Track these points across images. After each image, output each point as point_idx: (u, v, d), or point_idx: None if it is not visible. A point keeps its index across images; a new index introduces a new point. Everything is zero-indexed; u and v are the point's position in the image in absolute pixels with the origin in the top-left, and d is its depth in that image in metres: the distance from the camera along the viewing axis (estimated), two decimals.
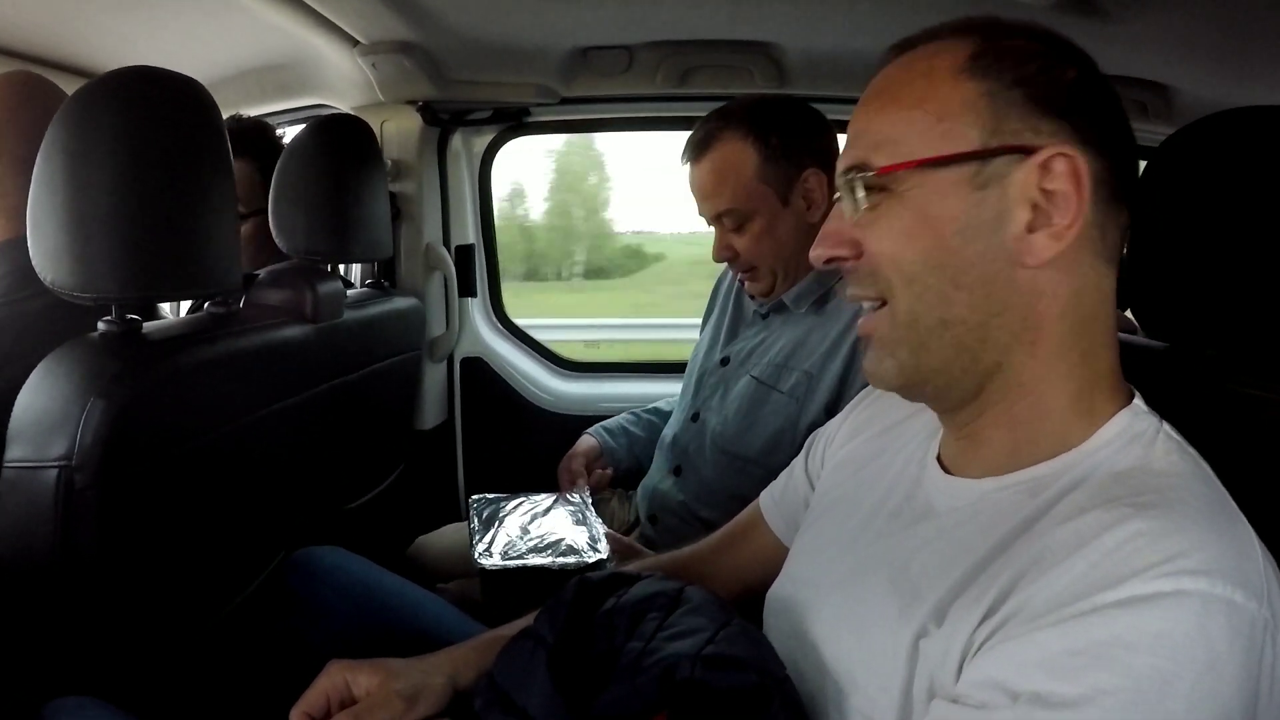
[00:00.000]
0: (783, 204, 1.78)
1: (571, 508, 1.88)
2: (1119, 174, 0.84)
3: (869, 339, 0.92)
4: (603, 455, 2.14)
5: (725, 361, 1.96)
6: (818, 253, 0.93)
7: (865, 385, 1.66)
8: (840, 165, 0.91)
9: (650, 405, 2.30)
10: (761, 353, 1.89)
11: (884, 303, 0.89)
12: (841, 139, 1.80)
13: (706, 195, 1.79)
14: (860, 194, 0.87)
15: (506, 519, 1.86)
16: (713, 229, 1.86)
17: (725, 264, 1.89)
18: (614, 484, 2.18)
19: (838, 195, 0.92)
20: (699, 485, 1.89)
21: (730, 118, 1.78)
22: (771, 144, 1.76)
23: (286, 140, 2.40)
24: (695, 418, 1.96)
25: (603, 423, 2.22)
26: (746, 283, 1.88)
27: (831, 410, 1.70)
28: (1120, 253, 0.87)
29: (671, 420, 2.07)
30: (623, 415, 2.26)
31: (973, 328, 0.85)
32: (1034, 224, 0.82)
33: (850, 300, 0.94)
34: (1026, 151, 0.81)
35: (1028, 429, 0.87)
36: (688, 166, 1.83)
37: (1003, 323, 0.85)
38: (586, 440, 2.16)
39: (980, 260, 0.83)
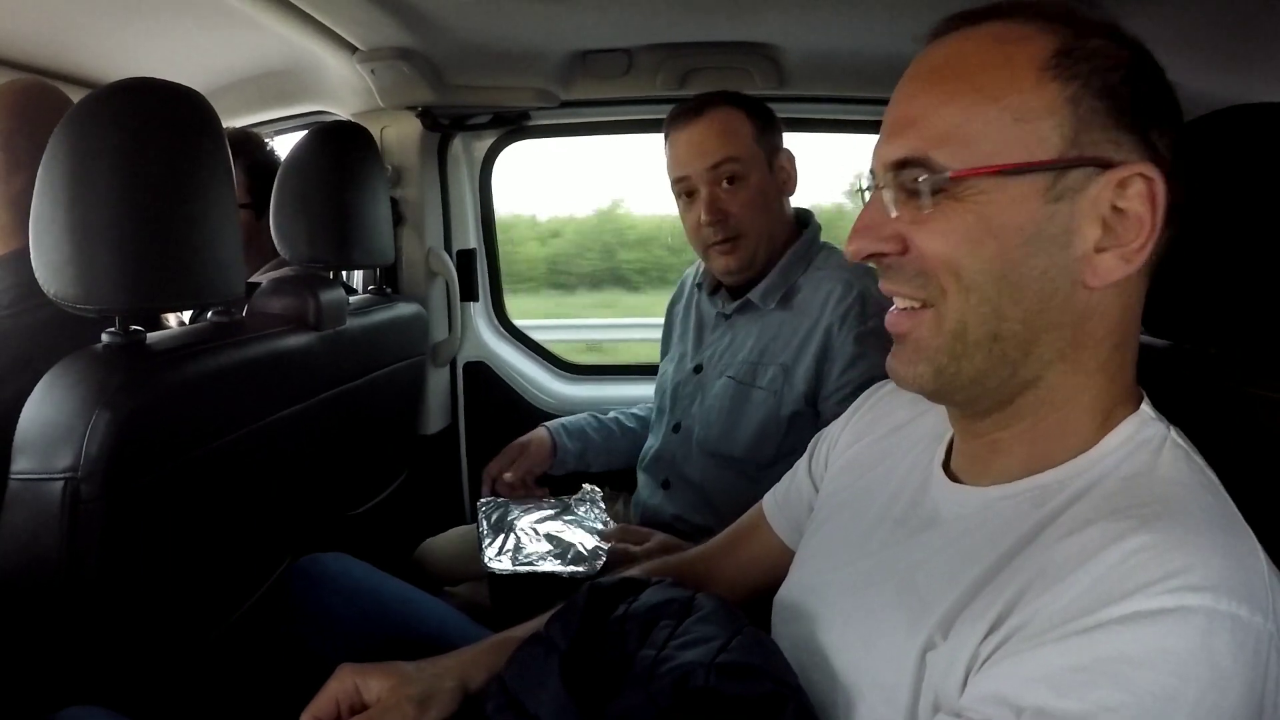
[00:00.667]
0: (769, 170, 1.84)
1: (577, 513, 1.87)
2: (1180, 192, 0.81)
3: (903, 338, 0.89)
4: (556, 453, 2.15)
5: (699, 369, 1.97)
6: (856, 247, 0.88)
7: (842, 370, 1.71)
8: (889, 153, 0.85)
9: (614, 412, 2.30)
10: (733, 353, 1.90)
11: (926, 304, 0.86)
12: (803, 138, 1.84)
13: (706, 149, 1.81)
14: (921, 192, 0.82)
15: (516, 523, 1.86)
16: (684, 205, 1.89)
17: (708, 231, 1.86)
18: (608, 485, 2.18)
19: (868, 186, 0.90)
20: (689, 494, 1.90)
21: (720, 95, 1.85)
22: (760, 118, 1.84)
23: (275, 146, 2.43)
24: (676, 428, 1.97)
25: (565, 420, 2.22)
26: (723, 257, 1.86)
27: (810, 398, 1.75)
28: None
29: (650, 439, 2.07)
30: (586, 416, 2.26)
31: (1020, 343, 0.83)
32: (1103, 243, 0.79)
33: (886, 294, 0.90)
34: (1105, 165, 0.79)
35: (1048, 441, 0.86)
36: (674, 132, 1.86)
37: (1051, 339, 0.83)
38: (540, 434, 2.15)
39: (1043, 276, 0.81)
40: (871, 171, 0.89)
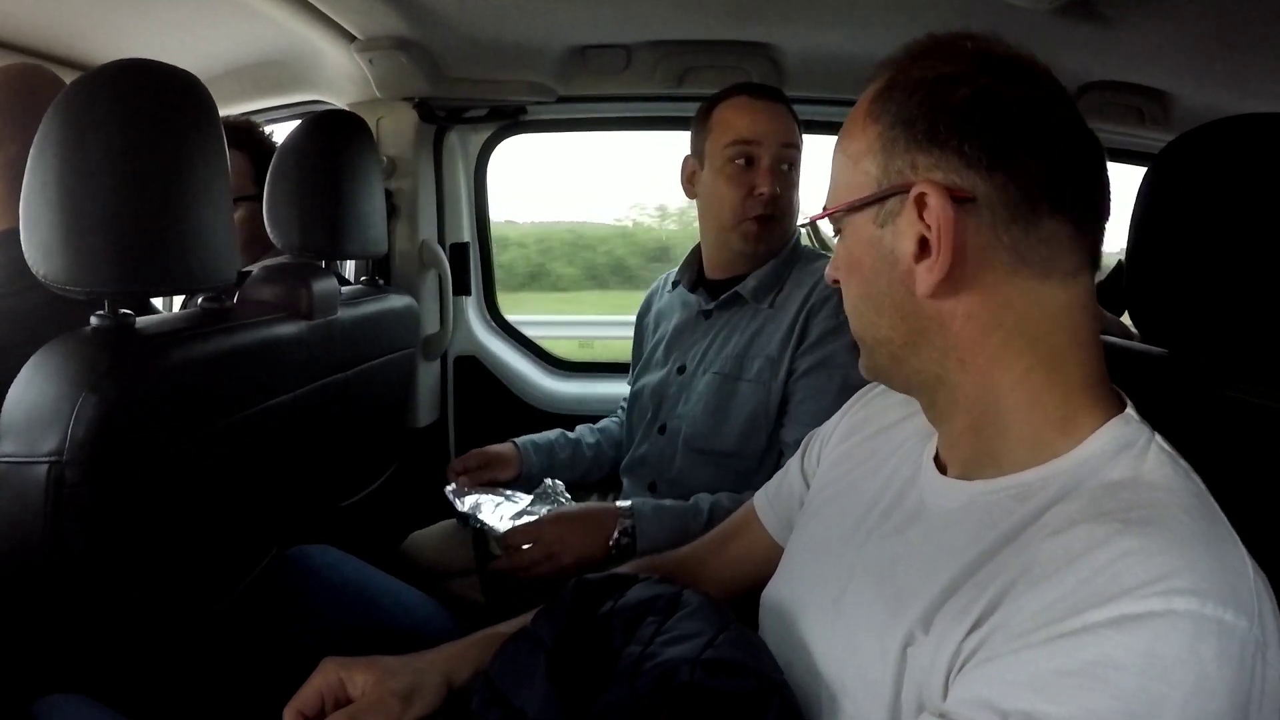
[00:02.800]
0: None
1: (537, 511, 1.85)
2: (1025, 185, 0.83)
3: None
4: (520, 464, 2.13)
5: (682, 369, 1.98)
6: (827, 276, 1.02)
7: (808, 349, 1.75)
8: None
9: (581, 428, 2.29)
10: (717, 349, 1.92)
11: None
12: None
13: (784, 128, 1.87)
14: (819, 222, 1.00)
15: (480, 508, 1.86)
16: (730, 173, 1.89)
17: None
18: (591, 489, 2.19)
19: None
20: (677, 495, 1.87)
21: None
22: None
23: (276, 136, 2.42)
24: (662, 430, 1.97)
25: (534, 436, 2.20)
26: (757, 227, 1.87)
27: (788, 380, 1.78)
28: (1074, 260, 0.85)
29: (635, 445, 2.06)
30: (556, 433, 2.24)
31: (902, 346, 0.92)
32: (919, 256, 0.85)
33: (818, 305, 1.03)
34: (906, 189, 0.86)
35: (993, 439, 0.88)
36: (751, 99, 1.88)
37: (926, 342, 0.89)
38: (507, 447, 2.15)
39: (888, 290, 0.90)
40: None
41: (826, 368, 1.72)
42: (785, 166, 1.86)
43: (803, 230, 1.81)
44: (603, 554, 1.65)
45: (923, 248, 0.84)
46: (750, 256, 1.90)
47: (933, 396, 0.93)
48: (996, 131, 0.83)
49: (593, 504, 1.81)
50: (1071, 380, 0.85)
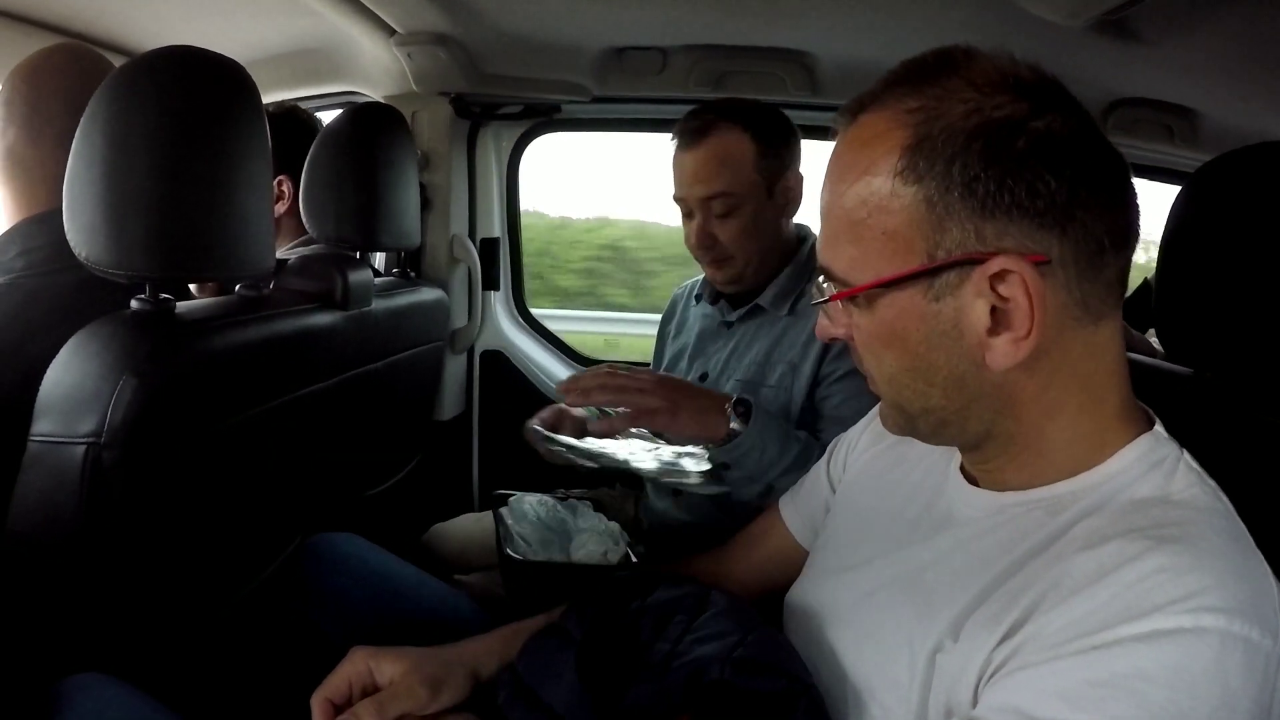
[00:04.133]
0: (769, 196, 1.82)
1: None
2: (1098, 230, 0.79)
3: None
4: None
5: (704, 377, 1.97)
6: (819, 331, 0.96)
7: (836, 355, 1.73)
8: (819, 259, 0.90)
9: None
10: (738, 357, 1.91)
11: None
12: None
13: (701, 178, 1.80)
14: (837, 300, 0.89)
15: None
16: (683, 217, 1.88)
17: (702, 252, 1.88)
18: (619, 485, 2.18)
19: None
20: (701, 500, 1.89)
21: (728, 113, 1.81)
22: (766, 139, 1.80)
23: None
24: None
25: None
26: (711, 269, 1.89)
27: (819, 385, 1.76)
28: (1118, 295, 0.84)
29: None
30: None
31: (954, 411, 0.87)
32: (994, 328, 0.80)
33: None
34: (974, 262, 0.79)
35: (1035, 466, 0.87)
36: (677, 151, 1.84)
37: (981, 406, 0.86)
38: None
39: (947, 365, 0.84)
40: None
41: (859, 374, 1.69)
42: (719, 213, 1.80)
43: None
44: (720, 438, 1.59)
45: (994, 318, 0.79)
46: (725, 285, 1.91)
47: (978, 445, 0.90)
48: (1062, 178, 0.77)
49: (707, 391, 1.74)
50: (1110, 406, 0.86)
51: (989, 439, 0.88)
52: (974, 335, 0.81)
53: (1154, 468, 0.83)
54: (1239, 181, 1.07)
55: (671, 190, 1.87)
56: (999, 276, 0.78)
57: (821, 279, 0.89)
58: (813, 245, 1.92)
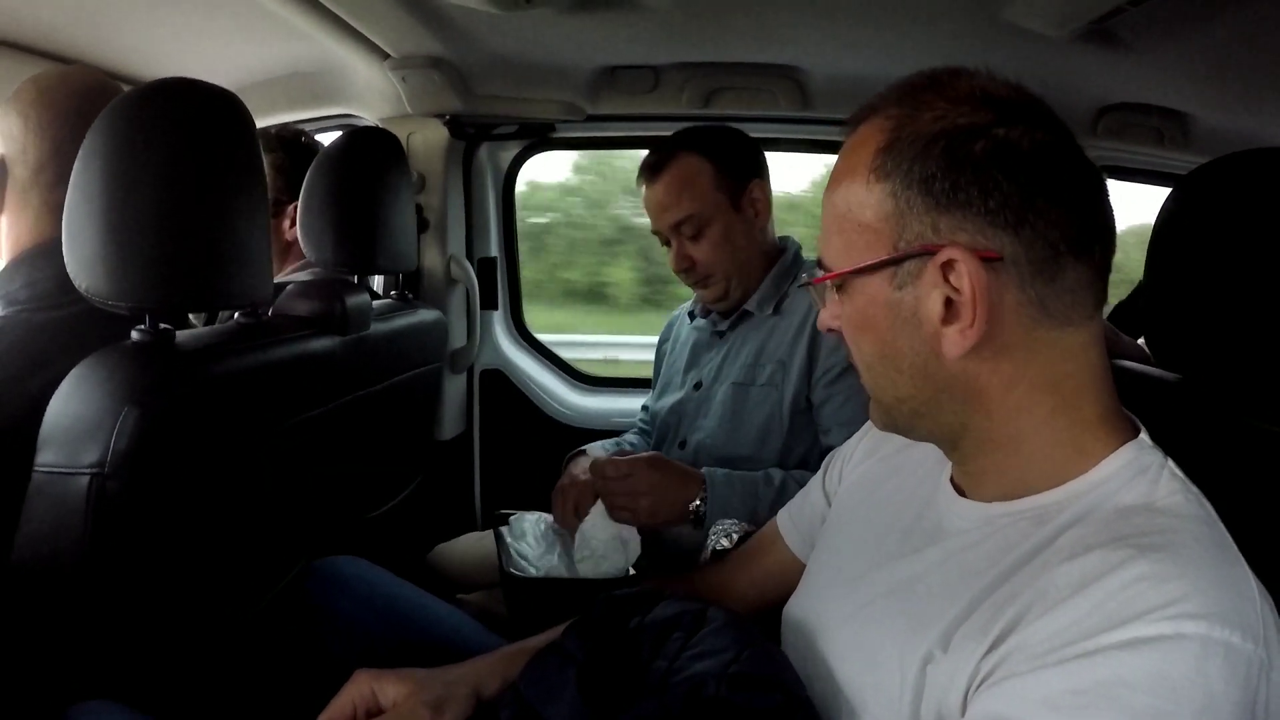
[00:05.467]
0: (735, 210, 1.91)
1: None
2: (1056, 235, 0.82)
3: None
4: None
5: (699, 385, 2.02)
6: (820, 321, 1.01)
7: (830, 352, 1.78)
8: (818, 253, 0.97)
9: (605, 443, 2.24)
10: (730, 362, 1.97)
11: None
12: (829, 160, 1.87)
13: (666, 206, 1.90)
14: (821, 284, 0.96)
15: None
16: (664, 246, 1.98)
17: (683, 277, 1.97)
18: None
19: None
20: None
21: (680, 141, 1.93)
22: (721, 158, 1.90)
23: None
24: (683, 444, 2.00)
25: (601, 443, 2.18)
26: (699, 291, 2.00)
27: (808, 391, 1.82)
28: (1093, 302, 0.86)
29: None
30: (609, 443, 2.20)
31: (924, 401, 0.91)
32: (947, 318, 0.85)
33: None
34: (929, 253, 0.84)
35: (1018, 472, 0.89)
36: (644, 189, 1.94)
37: (949, 397, 0.89)
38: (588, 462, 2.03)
39: (910, 352, 0.88)
40: None
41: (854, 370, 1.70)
42: (689, 236, 1.90)
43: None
44: (680, 520, 1.71)
45: (949, 309, 0.84)
46: (714, 304, 2.00)
47: (955, 442, 0.93)
48: (1018, 184, 0.82)
49: (684, 465, 1.81)
50: (1088, 412, 0.87)
51: (964, 434, 0.90)
52: (930, 324, 0.85)
53: (1138, 476, 0.84)
54: (1226, 187, 1.07)
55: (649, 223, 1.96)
56: (949, 266, 0.83)
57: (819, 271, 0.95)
58: (795, 252, 2.00)
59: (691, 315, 2.15)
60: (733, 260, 1.91)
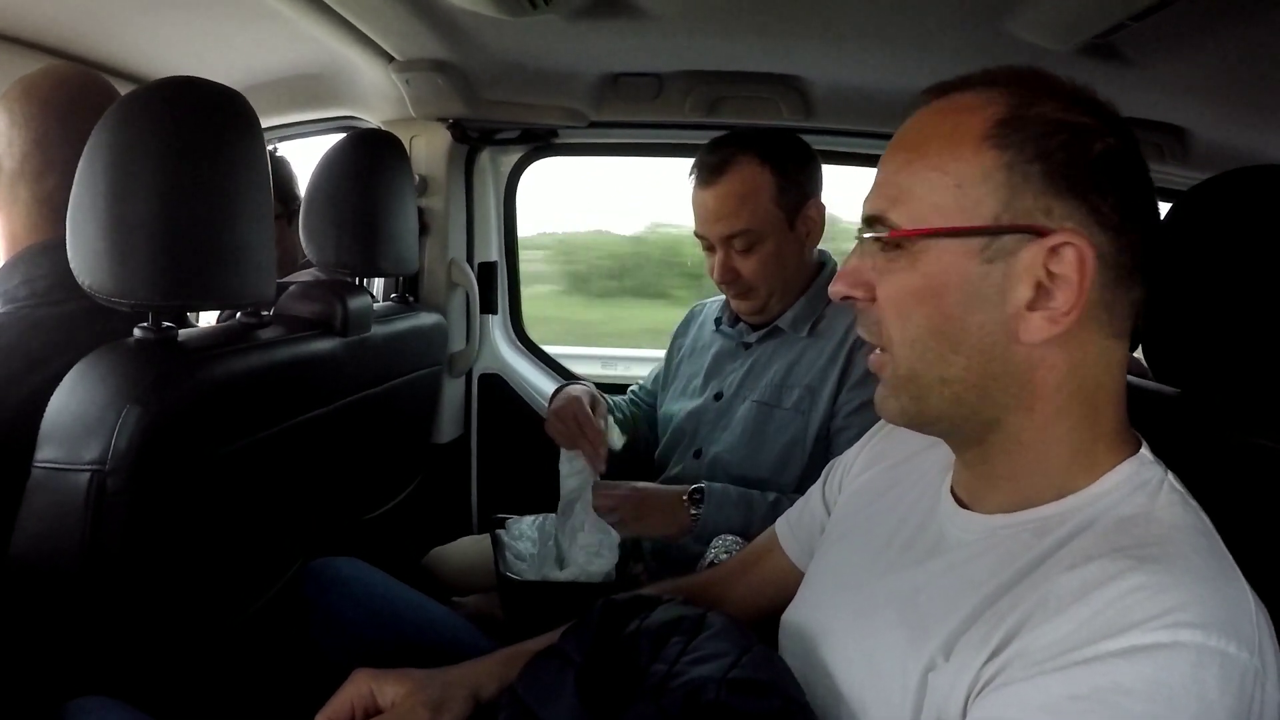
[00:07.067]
0: (789, 229, 1.84)
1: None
2: (1137, 252, 0.84)
3: (879, 377, 0.95)
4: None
5: (719, 396, 1.97)
6: (836, 288, 0.95)
7: (853, 386, 1.75)
8: (864, 209, 0.92)
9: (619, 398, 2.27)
10: (755, 377, 1.92)
11: (884, 349, 0.92)
12: (829, 170, 1.86)
13: (722, 216, 1.82)
14: (881, 245, 0.89)
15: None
16: (705, 250, 1.92)
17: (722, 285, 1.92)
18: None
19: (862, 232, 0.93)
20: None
21: (745, 144, 1.83)
22: (785, 170, 1.82)
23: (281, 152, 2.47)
24: (698, 454, 1.96)
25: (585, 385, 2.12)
26: (736, 301, 1.94)
27: (833, 415, 1.78)
28: (1132, 326, 0.88)
29: (670, 467, 2.05)
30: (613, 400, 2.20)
31: (970, 386, 0.87)
32: (1034, 303, 0.83)
33: (862, 338, 0.96)
34: (1037, 233, 0.82)
35: (1029, 479, 0.89)
36: (697, 188, 1.86)
37: (1000, 386, 0.87)
38: (579, 389, 2.03)
39: (979, 330, 0.85)
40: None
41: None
42: (739, 250, 1.84)
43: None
44: (680, 537, 1.75)
45: (1037, 292, 0.83)
46: (750, 316, 1.95)
47: (979, 439, 0.91)
48: (1122, 194, 0.83)
49: (669, 490, 1.82)
50: (1106, 426, 0.88)
51: (995, 431, 0.89)
52: (1014, 305, 0.83)
53: (1138, 489, 0.85)
54: (1225, 203, 1.08)
55: (694, 226, 1.90)
56: (1055, 251, 0.82)
57: (864, 230, 0.92)
58: (832, 269, 1.93)
59: (718, 321, 2.08)
60: (779, 278, 1.87)
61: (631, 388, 2.34)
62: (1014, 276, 0.83)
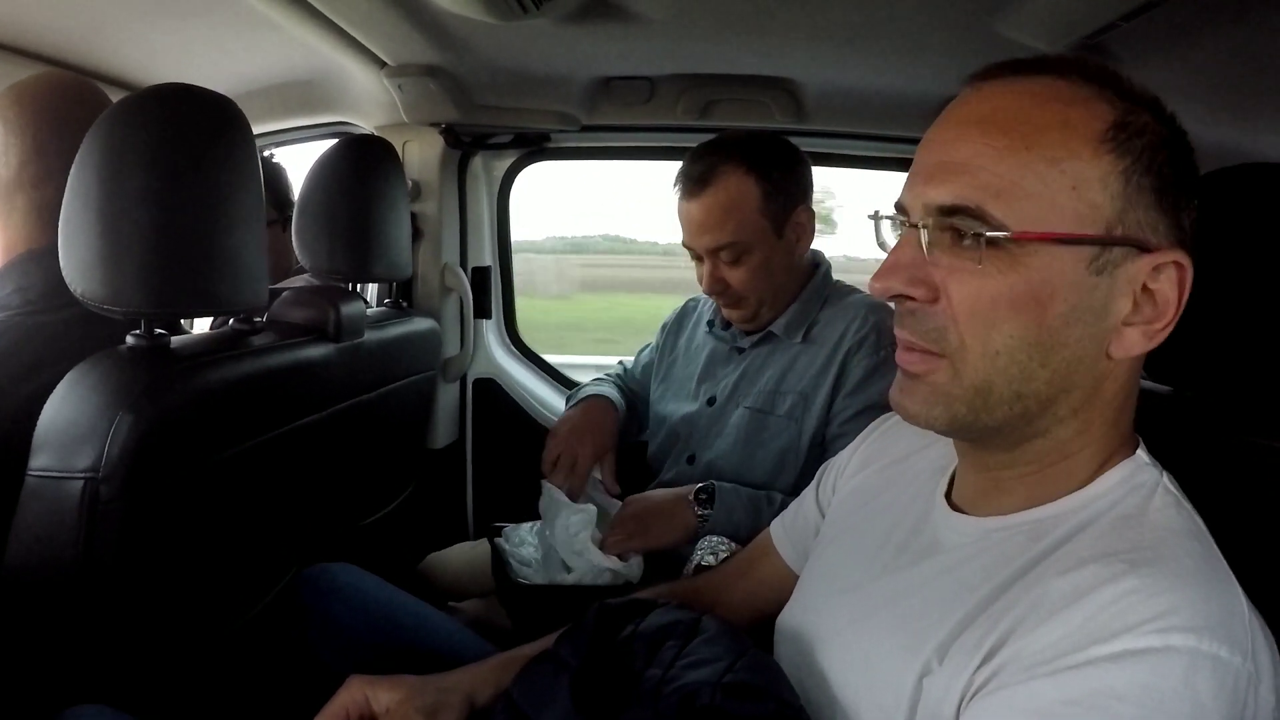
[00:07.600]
0: (778, 237, 1.81)
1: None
2: (1192, 273, 0.82)
3: (917, 379, 0.87)
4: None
5: (712, 401, 1.96)
6: (884, 285, 0.86)
7: (849, 393, 1.74)
8: (935, 196, 0.82)
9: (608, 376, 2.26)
10: (748, 383, 1.91)
11: (941, 354, 0.85)
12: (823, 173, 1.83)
13: (708, 228, 1.78)
14: (966, 241, 0.81)
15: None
16: (694, 260, 1.89)
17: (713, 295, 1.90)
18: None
19: (904, 221, 0.87)
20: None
21: (729, 152, 1.79)
22: (772, 179, 1.78)
23: (277, 159, 2.46)
24: (691, 460, 1.96)
25: (593, 387, 2.15)
26: (727, 310, 1.91)
27: (828, 422, 1.77)
28: None
29: (663, 472, 2.04)
30: (599, 382, 2.20)
31: (1044, 400, 0.84)
32: (1130, 318, 0.81)
33: (899, 337, 0.88)
34: (1144, 248, 0.80)
35: (1048, 484, 0.88)
36: (681, 200, 1.83)
37: (1068, 399, 0.85)
38: (601, 407, 2.05)
39: (1076, 344, 0.81)
40: (900, 208, 0.88)
41: (874, 410, 1.57)
42: (727, 261, 1.80)
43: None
44: (688, 540, 1.70)
45: (1133, 308, 0.81)
46: (741, 324, 1.93)
47: (1018, 445, 0.88)
48: (1192, 207, 0.83)
49: (665, 493, 1.81)
50: (1120, 429, 0.89)
51: (1040, 439, 0.87)
52: (1114, 319, 0.81)
53: (1133, 492, 0.85)
54: (1219, 202, 1.08)
55: (681, 237, 1.87)
56: (1157, 269, 0.80)
57: (933, 223, 0.83)
58: (826, 272, 1.93)
59: (710, 324, 2.06)
60: (770, 287, 1.84)
61: (616, 370, 2.31)
62: (1117, 290, 0.80)
